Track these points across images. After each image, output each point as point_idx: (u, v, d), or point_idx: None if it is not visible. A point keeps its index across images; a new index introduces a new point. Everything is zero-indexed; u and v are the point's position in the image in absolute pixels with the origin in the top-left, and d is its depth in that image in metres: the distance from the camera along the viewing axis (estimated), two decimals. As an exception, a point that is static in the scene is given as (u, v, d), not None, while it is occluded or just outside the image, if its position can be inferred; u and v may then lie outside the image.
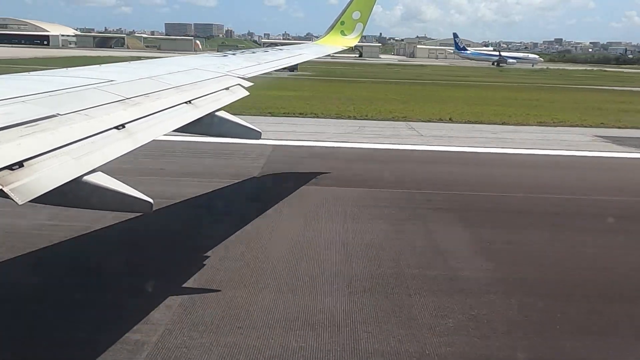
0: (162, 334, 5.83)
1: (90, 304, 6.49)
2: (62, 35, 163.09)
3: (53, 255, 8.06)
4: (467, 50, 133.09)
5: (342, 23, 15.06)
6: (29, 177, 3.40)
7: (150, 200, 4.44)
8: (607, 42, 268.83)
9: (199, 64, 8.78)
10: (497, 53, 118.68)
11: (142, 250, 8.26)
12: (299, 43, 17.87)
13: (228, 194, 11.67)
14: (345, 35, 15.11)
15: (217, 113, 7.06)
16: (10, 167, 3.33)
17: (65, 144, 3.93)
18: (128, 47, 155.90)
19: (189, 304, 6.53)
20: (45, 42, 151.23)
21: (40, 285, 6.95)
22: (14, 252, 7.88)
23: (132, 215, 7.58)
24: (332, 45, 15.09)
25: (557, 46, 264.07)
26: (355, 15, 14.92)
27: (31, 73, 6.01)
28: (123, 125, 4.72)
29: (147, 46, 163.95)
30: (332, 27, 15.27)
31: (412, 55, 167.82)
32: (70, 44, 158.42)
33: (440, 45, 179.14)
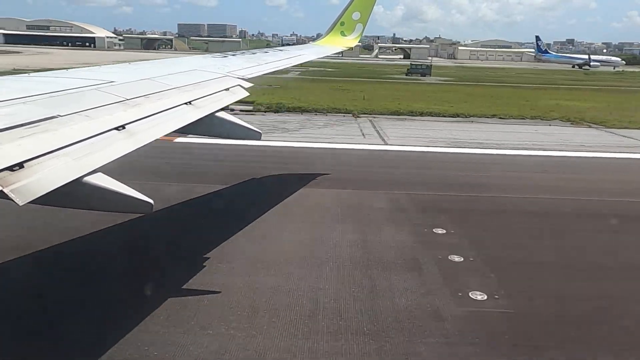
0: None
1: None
2: (108, 38, 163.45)
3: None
4: (549, 52, 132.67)
5: (342, 24, 15.06)
6: (30, 178, 3.40)
7: (151, 200, 4.44)
8: (619, 43, 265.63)
9: (199, 64, 8.80)
10: (586, 56, 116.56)
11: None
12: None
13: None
14: (345, 35, 15.11)
15: (217, 114, 7.07)
16: (10, 168, 3.34)
17: (65, 145, 3.94)
18: (176, 49, 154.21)
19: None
20: (89, 44, 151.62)
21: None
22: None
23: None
24: (332, 45, 15.10)
25: (570, 47, 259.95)
26: (355, 16, 14.92)
27: (31, 74, 6.02)
28: (123, 126, 4.73)
29: (192, 48, 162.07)
30: (332, 28, 15.28)
31: (453, 56, 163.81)
32: (115, 45, 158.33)
33: (481, 47, 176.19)
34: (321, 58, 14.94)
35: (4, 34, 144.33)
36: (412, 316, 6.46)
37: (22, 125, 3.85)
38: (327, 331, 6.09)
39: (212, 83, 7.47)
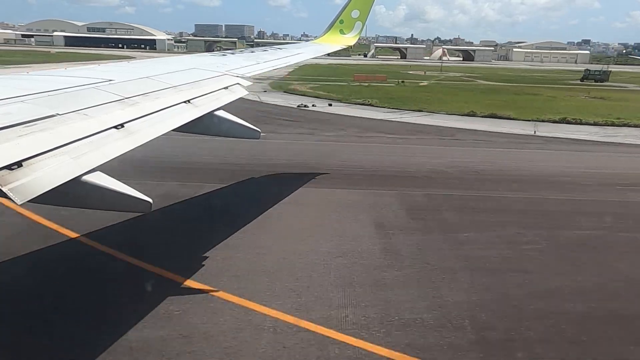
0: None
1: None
2: (167, 40, 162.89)
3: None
4: None
5: (341, 22, 15.05)
6: (28, 176, 3.40)
7: (149, 199, 4.44)
8: (635, 43, 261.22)
9: (198, 63, 8.78)
10: None
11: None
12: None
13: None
14: (345, 34, 15.10)
15: (216, 112, 7.06)
16: (9, 167, 3.34)
17: (64, 143, 3.93)
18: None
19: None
20: (147, 46, 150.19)
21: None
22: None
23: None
24: (331, 44, 15.08)
25: (589, 47, 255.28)
26: (354, 14, 14.91)
27: (30, 72, 6.01)
28: (122, 125, 4.72)
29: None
30: (331, 26, 15.26)
31: (506, 58, 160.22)
32: (174, 48, 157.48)
33: (535, 49, 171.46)
34: (318, 56, 14.90)
35: (65, 37, 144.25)
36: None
37: (20, 124, 3.84)
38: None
39: (211, 82, 7.46)
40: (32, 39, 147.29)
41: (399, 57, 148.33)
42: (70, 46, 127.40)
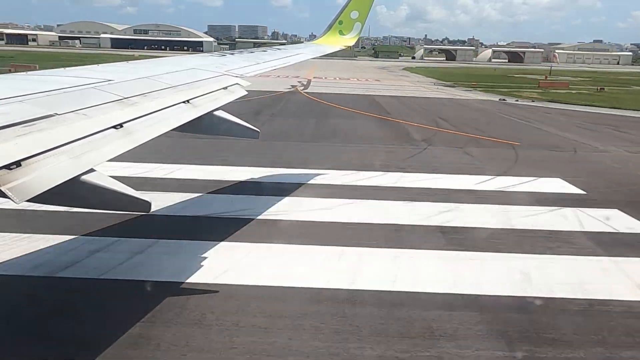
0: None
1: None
2: (214, 42, 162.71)
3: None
4: None
5: (340, 22, 15.03)
6: (27, 176, 3.40)
7: (148, 200, 4.43)
8: None
9: (197, 63, 8.77)
10: None
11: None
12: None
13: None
14: (344, 34, 15.09)
15: (215, 112, 7.05)
16: (7, 167, 3.33)
17: (62, 143, 3.92)
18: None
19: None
20: (190, 48, 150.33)
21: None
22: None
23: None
24: (331, 44, 15.07)
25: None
26: (353, 15, 14.90)
27: (29, 73, 6.00)
28: (121, 125, 4.71)
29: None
30: (330, 27, 15.25)
31: (547, 60, 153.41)
32: (220, 49, 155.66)
33: (578, 50, 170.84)
34: (319, 57, 14.90)
35: (111, 39, 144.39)
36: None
37: (19, 123, 3.83)
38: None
39: (211, 82, 7.45)
40: (77, 41, 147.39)
41: (445, 58, 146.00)
42: (116, 48, 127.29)
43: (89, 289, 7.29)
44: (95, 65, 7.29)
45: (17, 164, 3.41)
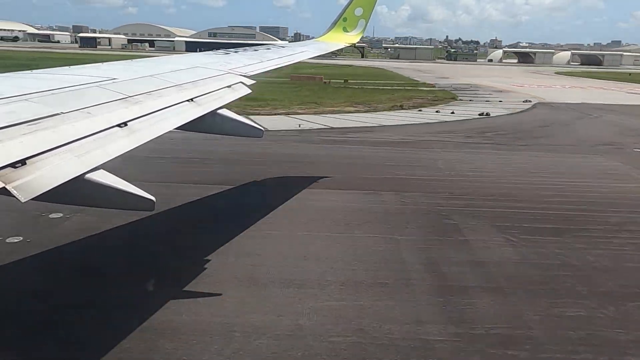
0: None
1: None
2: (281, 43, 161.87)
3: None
4: None
5: (345, 20, 15.00)
6: (32, 175, 3.42)
7: (152, 198, 4.45)
8: None
9: (201, 62, 8.78)
10: None
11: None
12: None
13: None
14: (348, 32, 15.06)
15: (219, 111, 7.07)
16: (13, 165, 3.35)
17: (67, 142, 3.95)
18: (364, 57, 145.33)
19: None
20: None
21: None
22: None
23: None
24: (335, 42, 15.04)
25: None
26: (357, 12, 14.87)
27: (34, 71, 6.03)
28: (125, 123, 4.73)
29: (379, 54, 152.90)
30: (334, 24, 15.22)
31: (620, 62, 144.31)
32: None
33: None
34: (322, 54, 14.87)
35: (186, 42, 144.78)
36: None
37: (24, 122, 3.86)
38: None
39: (214, 80, 7.47)
40: (146, 44, 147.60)
41: (517, 61, 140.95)
42: (190, 51, 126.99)
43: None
44: (100, 64, 7.31)
45: (22, 162, 3.44)
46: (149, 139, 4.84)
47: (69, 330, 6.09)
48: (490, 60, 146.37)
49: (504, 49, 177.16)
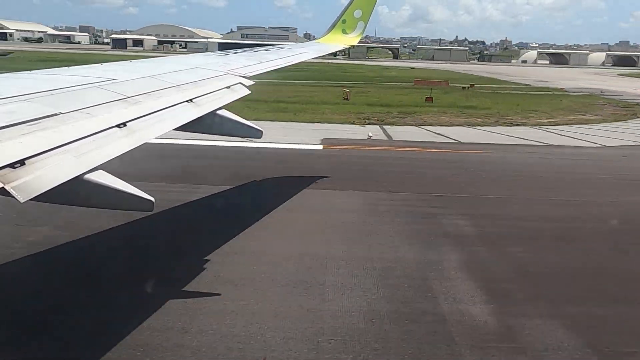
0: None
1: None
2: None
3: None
4: None
5: (344, 21, 15.02)
6: (31, 175, 3.41)
7: (151, 198, 4.45)
8: None
9: (201, 62, 8.79)
10: None
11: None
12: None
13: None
14: (347, 33, 15.08)
15: (218, 112, 7.06)
16: (12, 165, 3.35)
17: (66, 142, 3.94)
18: (397, 58, 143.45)
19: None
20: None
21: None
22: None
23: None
24: (334, 43, 15.07)
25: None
26: (356, 14, 14.89)
27: (33, 72, 6.03)
28: (124, 124, 4.73)
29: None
30: (333, 26, 15.24)
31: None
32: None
33: None
34: (321, 56, 14.88)
35: (219, 43, 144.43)
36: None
37: (23, 122, 3.86)
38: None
39: (214, 81, 7.47)
40: (177, 45, 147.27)
41: (548, 62, 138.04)
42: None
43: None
44: (99, 64, 7.31)
45: (21, 162, 3.43)
46: (148, 139, 4.84)
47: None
48: (525, 62, 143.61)
49: (538, 50, 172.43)
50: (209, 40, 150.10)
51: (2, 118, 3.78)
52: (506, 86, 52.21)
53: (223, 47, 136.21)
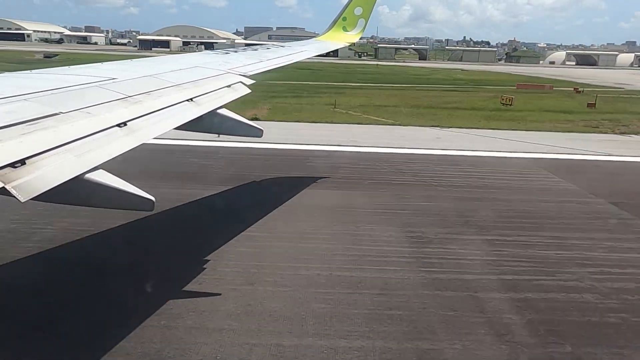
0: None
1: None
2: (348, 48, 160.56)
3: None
4: None
5: (344, 19, 15.00)
6: (31, 174, 3.42)
7: (152, 198, 4.45)
8: None
9: (201, 61, 8.79)
10: None
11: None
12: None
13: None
14: (347, 31, 15.06)
15: (218, 111, 7.07)
16: (12, 165, 3.36)
17: (67, 141, 3.95)
18: (425, 59, 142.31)
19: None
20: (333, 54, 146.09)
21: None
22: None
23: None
24: (334, 41, 15.05)
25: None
26: (357, 11, 14.87)
27: (33, 71, 6.03)
28: (125, 123, 4.74)
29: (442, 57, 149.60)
30: (334, 23, 15.22)
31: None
32: (354, 55, 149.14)
33: None
34: (322, 54, 14.86)
35: (245, 44, 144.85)
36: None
37: (24, 122, 3.87)
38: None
39: (214, 80, 7.47)
40: (202, 46, 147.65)
41: (575, 63, 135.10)
42: None
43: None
44: (100, 64, 7.31)
45: (22, 162, 3.44)
46: (148, 139, 4.85)
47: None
48: (552, 63, 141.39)
49: (566, 51, 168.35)
50: (236, 40, 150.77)
51: (2, 118, 3.79)
52: (607, 89, 47.89)
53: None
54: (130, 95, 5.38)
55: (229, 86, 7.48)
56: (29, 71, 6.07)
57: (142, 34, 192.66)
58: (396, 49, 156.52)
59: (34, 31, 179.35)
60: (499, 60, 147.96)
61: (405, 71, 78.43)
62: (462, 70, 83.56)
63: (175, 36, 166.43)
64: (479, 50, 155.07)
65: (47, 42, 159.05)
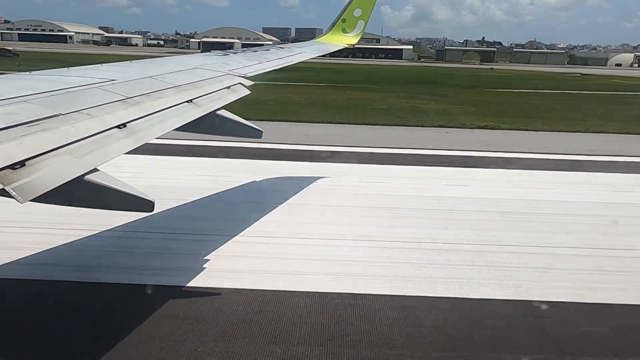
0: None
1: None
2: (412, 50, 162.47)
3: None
4: None
5: (344, 21, 15.00)
6: (31, 176, 3.42)
7: (152, 199, 4.45)
8: None
9: (201, 63, 8.79)
10: None
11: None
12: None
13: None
14: (347, 33, 15.06)
15: (218, 112, 7.06)
16: (12, 167, 3.35)
17: (66, 143, 3.95)
18: (493, 61, 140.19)
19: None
20: (391, 55, 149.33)
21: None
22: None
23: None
24: (334, 43, 15.04)
25: None
26: (356, 13, 14.87)
27: (33, 73, 6.03)
28: (124, 125, 4.74)
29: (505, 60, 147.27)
30: (333, 25, 15.22)
31: None
32: (416, 56, 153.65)
33: None
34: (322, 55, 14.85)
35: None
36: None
37: (23, 123, 3.86)
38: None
39: (213, 81, 7.47)
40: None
41: (638, 65, 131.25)
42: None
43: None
44: (99, 65, 7.31)
45: (21, 163, 3.44)
46: (148, 140, 4.85)
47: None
48: (619, 65, 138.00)
49: (635, 53, 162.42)
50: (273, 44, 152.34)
51: (2, 119, 3.79)
52: None
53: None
54: (130, 96, 5.38)
55: (228, 87, 7.49)
56: (28, 72, 6.07)
57: (196, 35, 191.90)
58: (463, 51, 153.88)
59: (76, 33, 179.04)
60: (568, 62, 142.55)
61: (533, 76, 72.76)
62: (582, 74, 78.49)
63: (222, 37, 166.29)
64: (547, 54, 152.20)
65: (95, 44, 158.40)
